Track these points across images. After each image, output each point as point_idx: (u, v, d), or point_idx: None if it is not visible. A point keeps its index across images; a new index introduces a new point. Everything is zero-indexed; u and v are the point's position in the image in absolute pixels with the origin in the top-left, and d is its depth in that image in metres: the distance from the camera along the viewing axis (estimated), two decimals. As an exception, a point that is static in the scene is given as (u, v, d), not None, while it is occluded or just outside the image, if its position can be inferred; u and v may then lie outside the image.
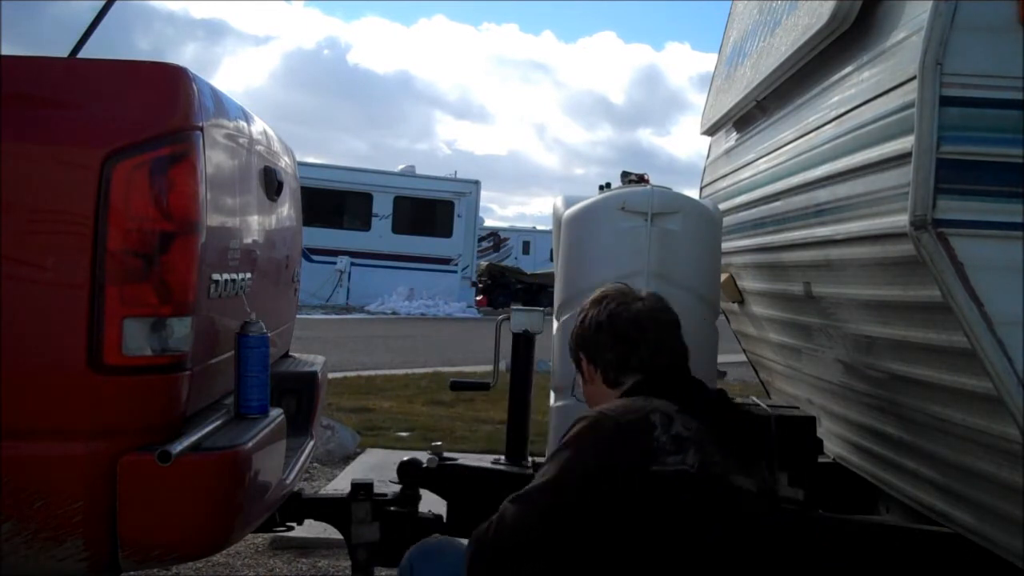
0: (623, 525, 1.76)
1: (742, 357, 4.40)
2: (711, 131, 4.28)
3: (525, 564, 1.80)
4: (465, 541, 2.00)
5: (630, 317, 2.00)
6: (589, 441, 1.81)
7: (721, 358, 2.89)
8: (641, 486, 1.74)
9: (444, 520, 3.05)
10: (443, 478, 3.03)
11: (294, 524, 3.04)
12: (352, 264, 21.16)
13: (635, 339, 1.98)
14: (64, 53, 2.74)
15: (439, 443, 3.18)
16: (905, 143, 1.96)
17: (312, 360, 3.37)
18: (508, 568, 1.81)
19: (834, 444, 3.25)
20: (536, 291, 21.50)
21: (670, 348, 2.03)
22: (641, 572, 1.75)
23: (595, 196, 2.83)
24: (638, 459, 1.76)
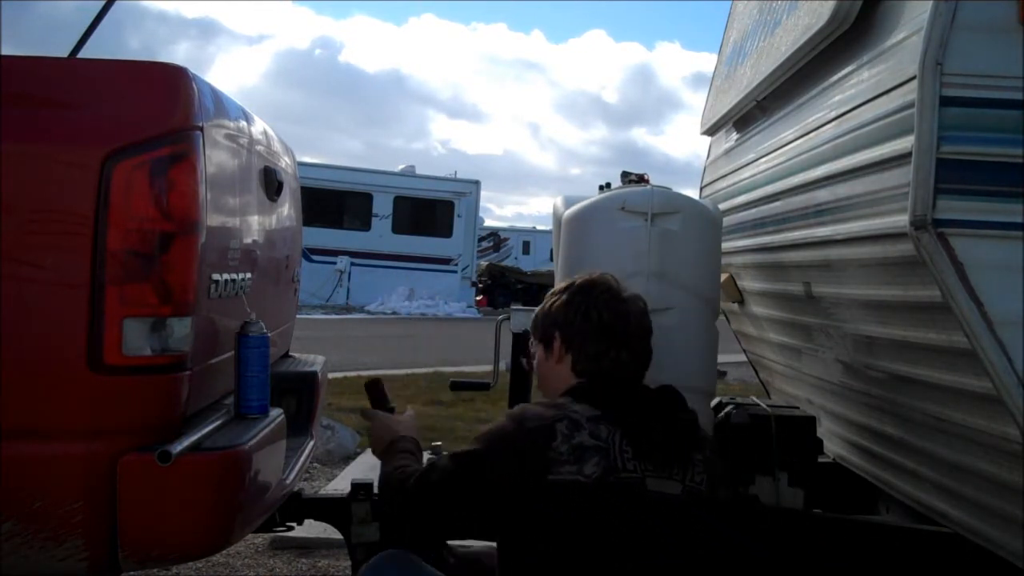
0: (529, 530, 1.81)
1: (742, 357, 4.40)
2: (711, 131, 4.28)
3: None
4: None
5: (621, 317, 2.01)
6: (498, 445, 1.87)
7: (721, 358, 2.88)
8: (537, 495, 1.78)
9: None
10: (443, 478, 3.02)
11: (294, 524, 3.04)
12: (352, 264, 21.15)
13: (620, 340, 2.00)
14: (56, 53, 2.74)
15: (439, 443, 3.17)
16: (905, 143, 1.96)
17: (312, 360, 3.37)
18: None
19: (834, 444, 3.25)
20: (536, 291, 21.51)
21: (644, 355, 2.04)
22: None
23: (595, 196, 2.82)
24: (536, 468, 1.79)
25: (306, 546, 3.99)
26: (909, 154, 1.93)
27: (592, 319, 2.00)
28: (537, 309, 2.15)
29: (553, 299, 2.09)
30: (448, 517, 1.92)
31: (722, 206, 3.41)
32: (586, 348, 2.00)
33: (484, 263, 26.53)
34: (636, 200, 2.60)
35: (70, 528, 1.80)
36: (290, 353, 3.46)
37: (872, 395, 2.68)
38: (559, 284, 2.14)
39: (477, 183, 22.94)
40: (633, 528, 1.79)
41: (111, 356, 1.81)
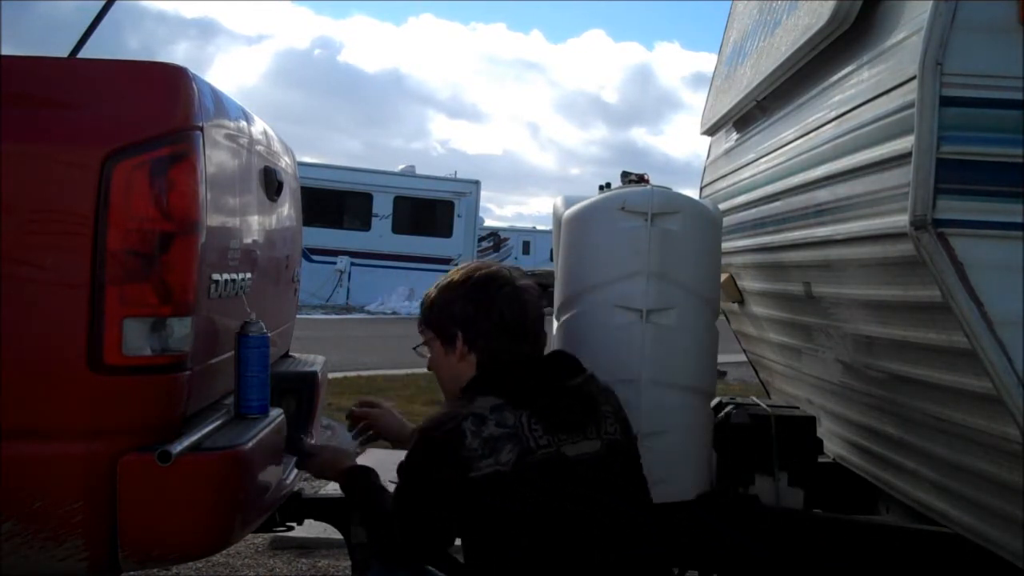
0: (491, 525, 1.83)
1: (742, 357, 4.40)
2: (711, 131, 4.28)
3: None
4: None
5: (522, 310, 2.02)
6: (414, 471, 1.90)
7: (721, 358, 2.88)
8: (468, 495, 1.80)
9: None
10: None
11: (294, 524, 3.03)
12: (352, 264, 21.15)
13: (521, 335, 2.01)
14: (56, 53, 2.74)
15: (439, 443, 3.17)
16: (905, 143, 1.96)
17: (312, 360, 3.37)
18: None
19: (834, 444, 3.25)
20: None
21: (541, 341, 2.06)
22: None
23: (595, 196, 2.82)
24: (457, 471, 1.80)
25: (306, 546, 3.99)
26: (909, 154, 1.93)
27: (494, 319, 2.00)
28: (431, 295, 2.10)
29: (449, 293, 2.06)
30: (440, 538, 1.95)
31: (722, 206, 3.40)
32: (490, 346, 2.01)
33: (484, 263, 26.48)
34: (636, 200, 2.60)
35: (70, 528, 1.80)
36: (290, 353, 3.46)
37: (872, 395, 2.68)
38: (454, 274, 2.10)
39: (477, 183, 22.93)
40: (577, 503, 1.82)
41: (111, 356, 1.81)
